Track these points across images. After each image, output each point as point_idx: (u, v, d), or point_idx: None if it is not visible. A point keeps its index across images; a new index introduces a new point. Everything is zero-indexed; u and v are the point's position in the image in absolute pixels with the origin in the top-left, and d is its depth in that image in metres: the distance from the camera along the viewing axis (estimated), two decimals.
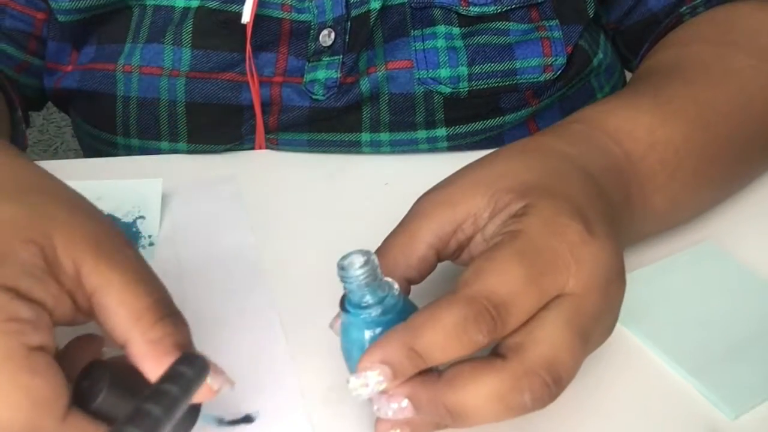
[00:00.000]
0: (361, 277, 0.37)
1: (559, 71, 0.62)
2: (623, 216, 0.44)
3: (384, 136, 0.62)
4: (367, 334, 0.37)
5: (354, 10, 0.60)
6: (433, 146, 0.63)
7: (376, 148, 0.63)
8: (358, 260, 0.37)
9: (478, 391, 0.34)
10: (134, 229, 0.54)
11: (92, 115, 0.66)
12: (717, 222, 0.54)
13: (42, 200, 0.38)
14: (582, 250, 0.37)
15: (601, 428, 0.42)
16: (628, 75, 0.71)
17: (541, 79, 0.61)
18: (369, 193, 0.59)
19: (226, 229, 0.55)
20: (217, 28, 0.61)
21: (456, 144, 0.63)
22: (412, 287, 0.42)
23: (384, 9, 0.60)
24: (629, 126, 0.47)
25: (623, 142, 0.47)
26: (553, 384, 0.35)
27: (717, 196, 0.55)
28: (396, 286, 0.38)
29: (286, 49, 0.61)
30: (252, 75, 0.61)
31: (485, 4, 0.60)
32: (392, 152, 0.63)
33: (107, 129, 0.65)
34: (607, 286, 0.37)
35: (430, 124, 0.62)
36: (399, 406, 0.36)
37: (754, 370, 0.44)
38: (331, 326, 0.40)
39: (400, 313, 0.37)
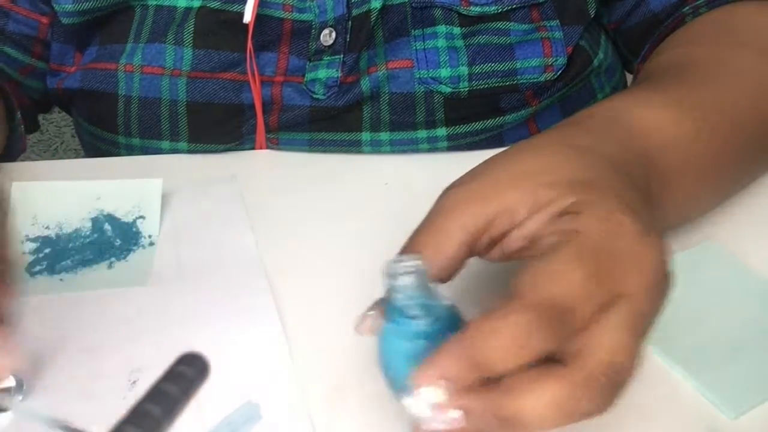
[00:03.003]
0: (411, 286, 0.35)
1: (560, 71, 0.62)
2: (651, 207, 0.43)
3: (384, 136, 0.62)
4: (414, 345, 0.35)
5: (355, 9, 0.60)
6: (433, 146, 0.63)
7: (376, 147, 0.63)
8: (409, 268, 0.35)
9: (538, 400, 0.33)
10: (134, 229, 0.54)
11: (94, 114, 0.66)
12: (717, 222, 0.54)
13: None
14: (640, 250, 0.36)
15: (601, 428, 0.42)
16: (629, 76, 0.71)
17: (542, 79, 0.61)
18: (369, 193, 0.59)
19: (226, 229, 0.55)
20: (219, 28, 0.61)
21: (456, 144, 0.63)
22: None
23: (385, 8, 0.60)
24: (646, 122, 0.46)
25: (642, 138, 0.45)
26: (614, 388, 0.34)
27: (727, 194, 0.54)
28: (446, 300, 0.36)
29: (287, 48, 0.61)
30: (253, 75, 0.61)
31: (486, 4, 0.60)
32: (392, 152, 0.63)
33: (109, 128, 0.65)
34: (662, 285, 0.36)
35: (430, 124, 0.62)
36: (450, 418, 0.33)
37: (754, 370, 0.44)
38: (358, 329, 0.38)
39: (448, 323, 0.35)
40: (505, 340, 0.32)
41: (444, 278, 0.39)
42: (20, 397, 0.42)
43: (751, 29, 0.57)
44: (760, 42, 0.56)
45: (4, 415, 0.41)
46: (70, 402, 0.42)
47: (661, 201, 0.46)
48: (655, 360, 0.46)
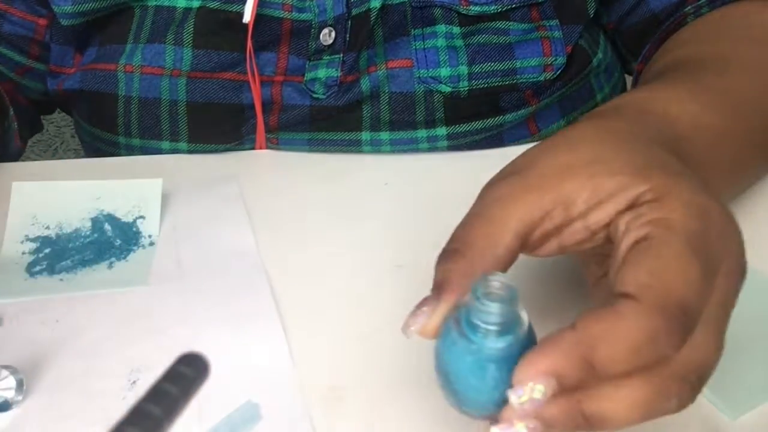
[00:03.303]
0: (500, 304, 0.32)
1: (559, 71, 0.62)
2: None
3: (384, 135, 0.62)
4: (493, 365, 0.33)
5: (354, 9, 0.60)
6: (433, 145, 0.63)
7: (376, 147, 0.63)
8: (502, 288, 0.33)
9: (624, 398, 0.31)
10: (134, 229, 0.54)
11: (94, 115, 0.66)
12: None
13: None
14: (727, 230, 0.35)
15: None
16: (628, 77, 0.71)
17: (541, 78, 0.61)
18: (369, 193, 0.59)
19: (227, 229, 0.55)
20: (218, 28, 0.61)
21: (456, 143, 0.63)
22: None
23: (384, 8, 0.60)
24: (675, 111, 0.45)
25: (672, 126, 0.44)
26: (698, 384, 0.33)
27: (746, 186, 0.54)
28: (525, 316, 0.33)
29: (287, 48, 0.61)
30: (253, 74, 0.61)
31: (485, 4, 0.60)
32: (392, 151, 0.63)
33: (109, 129, 0.65)
34: (744, 265, 0.35)
35: (430, 123, 0.62)
36: (528, 425, 0.31)
37: (754, 370, 0.44)
38: (405, 331, 0.36)
39: (526, 343, 0.33)
40: (629, 341, 0.30)
41: (497, 271, 0.36)
42: (20, 397, 0.41)
43: (756, 26, 0.57)
44: (764, 38, 0.56)
45: (4, 414, 0.41)
46: (70, 402, 0.42)
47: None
48: None
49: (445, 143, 0.63)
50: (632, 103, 0.45)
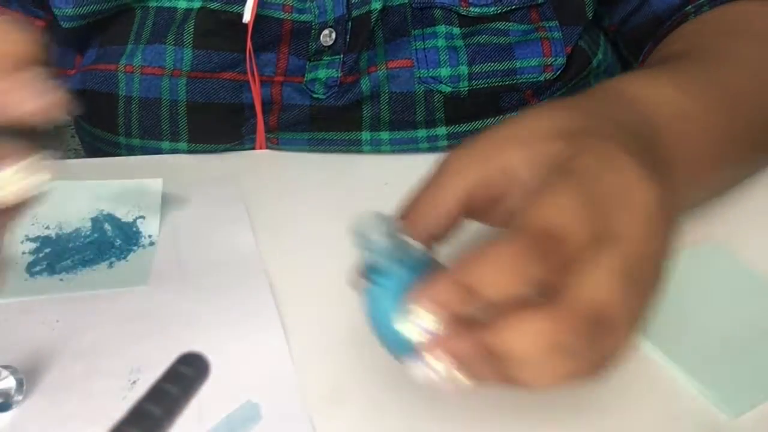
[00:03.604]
0: (384, 242, 0.34)
1: (559, 71, 0.62)
2: None
3: (384, 135, 0.62)
4: (385, 304, 0.34)
5: (355, 10, 0.60)
6: (433, 145, 0.63)
7: (376, 146, 0.63)
8: (378, 224, 0.34)
9: (523, 333, 0.32)
10: (134, 229, 0.54)
11: (94, 115, 0.66)
12: (717, 222, 0.54)
13: None
14: (638, 186, 0.35)
15: (601, 428, 0.42)
16: None
17: (541, 78, 0.61)
18: (369, 193, 0.59)
19: (227, 229, 0.55)
20: (219, 29, 0.61)
21: (456, 143, 0.63)
22: None
23: (385, 9, 0.60)
24: (649, 96, 0.46)
25: (644, 110, 0.45)
26: (601, 327, 0.33)
27: (733, 181, 0.54)
28: (420, 246, 0.35)
29: (287, 49, 0.61)
30: (253, 74, 0.61)
31: (485, 5, 0.60)
32: (392, 151, 0.63)
33: (109, 129, 0.65)
34: (663, 228, 0.36)
35: (430, 123, 0.62)
36: (442, 366, 0.33)
37: (754, 370, 0.44)
38: (351, 282, 0.38)
39: (431, 273, 0.34)
40: (497, 262, 0.32)
41: (439, 235, 0.39)
42: (20, 397, 0.41)
43: (755, 24, 0.58)
44: (763, 35, 0.56)
45: (4, 414, 0.41)
46: (70, 402, 0.42)
47: (670, 172, 0.45)
48: (655, 360, 0.46)
49: (445, 143, 0.63)
50: (609, 87, 0.46)
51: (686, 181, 0.47)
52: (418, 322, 0.32)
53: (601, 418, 0.42)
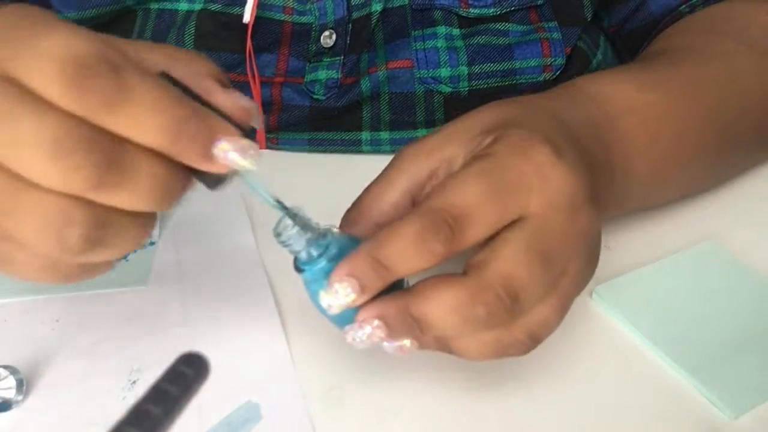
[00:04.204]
0: (297, 234, 0.37)
1: (558, 72, 0.62)
2: (602, 171, 0.44)
3: (384, 135, 0.62)
4: (314, 286, 0.37)
5: (355, 12, 0.60)
6: None
7: (376, 147, 0.63)
8: (288, 220, 0.37)
9: (439, 302, 0.35)
10: None
11: None
12: (717, 222, 0.54)
13: None
14: (548, 170, 0.37)
15: (601, 428, 0.42)
16: None
17: (541, 79, 0.61)
18: None
19: (227, 230, 0.55)
20: (219, 30, 0.61)
21: None
22: None
23: (385, 11, 0.60)
24: (608, 90, 0.48)
25: (602, 104, 0.47)
26: (507, 299, 0.35)
27: (711, 175, 0.55)
28: (335, 229, 0.38)
29: (287, 50, 0.61)
30: (253, 74, 0.61)
31: (485, 6, 0.60)
32: (392, 151, 0.63)
33: None
34: (574, 209, 0.37)
35: (430, 123, 0.62)
36: (371, 329, 0.36)
37: (754, 370, 0.44)
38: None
39: (351, 250, 0.37)
40: (403, 239, 0.35)
41: (385, 224, 0.40)
42: (20, 397, 0.42)
43: (740, 20, 0.58)
44: (747, 31, 0.57)
45: (4, 414, 0.41)
46: (70, 402, 0.42)
47: (626, 165, 0.47)
48: (654, 360, 0.46)
49: None
50: (569, 84, 0.49)
51: (639, 174, 0.48)
52: (339, 296, 0.35)
53: (601, 418, 0.42)
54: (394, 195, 0.41)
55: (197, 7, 0.61)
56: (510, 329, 0.37)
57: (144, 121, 0.31)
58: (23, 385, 0.42)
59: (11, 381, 0.41)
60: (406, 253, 0.35)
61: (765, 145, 0.58)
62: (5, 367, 0.42)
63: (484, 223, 0.35)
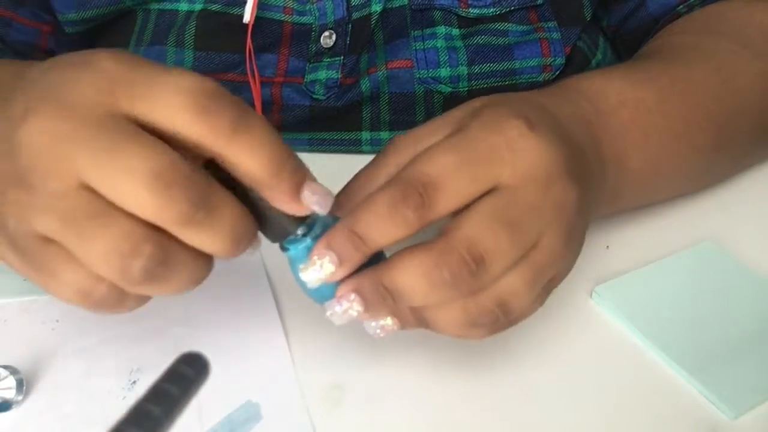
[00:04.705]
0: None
1: (558, 71, 0.62)
2: (595, 166, 0.44)
3: (384, 135, 0.63)
4: (297, 264, 0.38)
5: (355, 12, 0.60)
6: None
7: (376, 146, 0.63)
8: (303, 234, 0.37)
9: (408, 268, 0.36)
10: None
11: None
12: (717, 222, 0.54)
13: None
14: (519, 142, 0.37)
15: (601, 428, 0.42)
16: None
17: (540, 78, 0.62)
18: None
19: None
20: (220, 30, 0.61)
21: None
22: None
23: (385, 11, 0.60)
24: (599, 86, 0.48)
25: (593, 100, 0.47)
26: (472, 263, 0.35)
27: (707, 173, 0.55)
28: (326, 221, 0.39)
29: (288, 50, 0.61)
30: (253, 74, 0.61)
31: (484, 6, 0.60)
32: None
33: None
34: (548, 180, 0.37)
35: None
36: (348, 303, 0.37)
37: (754, 370, 0.44)
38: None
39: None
40: (376, 209, 0.36)
41: None
42: (20, 397, 0.42)
43: (735, 20, 0.58)
44: (742, 31, 0.57)
45: (4, 414, 0.41)
46: (70, 402, 0.42)
47: (620, 160, 0.47)
48: (654, 360, 0.46)
49: None
50: (562, 82, 0.49)
51: (633, 168, 0.48)
52: (319, 270, 0.36)
53: (600, 418, 0.42)
54: (380, 180, 0.41)
55: (197, 7, 0.61)
56: (477, 296, 0.37)
57: (256, 151, 0.34)
58: (23, 385, 0.42)
59: (11, 381, 0.41)
60: (379, 222, 0.35)
61: (762, 144, 0.58)
62: (5, 367, 0.42)
63: (454, 192, 0.36)
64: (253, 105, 0.62)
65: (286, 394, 0.43)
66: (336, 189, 0.60)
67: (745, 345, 0.46)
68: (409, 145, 0.41)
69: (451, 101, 0.61)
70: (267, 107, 0.62)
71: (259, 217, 0.37)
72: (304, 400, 0.43)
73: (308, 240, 0.37)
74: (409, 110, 0.61)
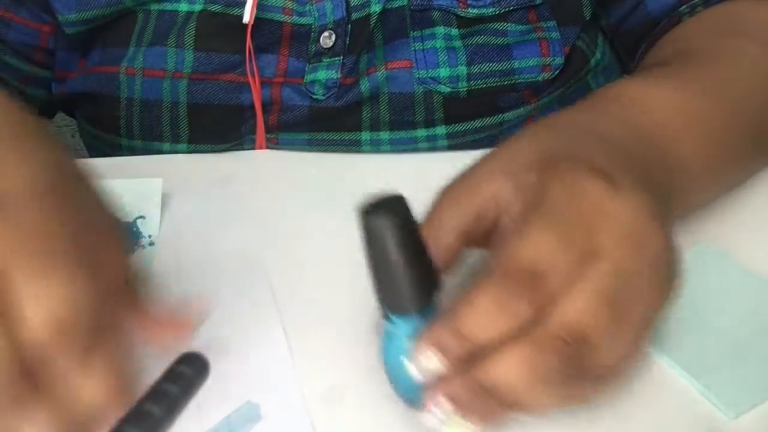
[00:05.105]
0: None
1: (557, 71, 0.62)
2: (662, 176, 0.43)
3: (384, 135, 0.63)
4: (401, 348, 0.37)
5: (355, 13, 0.60)
6: (433, 144, 0.63)
7: (375, 146, 0.63)
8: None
9: (506, 360, 0.34)
10: (134, 229, 0.54)
11: (96, 117, 0.66)
12: (716, 222, 0.54)
13: None
14: (608, 206, 0.36)
15: (601, 427, 0.42)
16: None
17: (539, 78, 0.62)
18: (369, 193, 0.59)
19: (226, 229, 0.55)
20: (219, 31, 0.61)
21: (456, 142, 0.63)
22: None
23: (384, 12, 0.61)
24: (646, 96, 0.47)
25: (644, 110, 0.46)
26: (583, 347, 0.34)
27: (739, 179, 0.54)
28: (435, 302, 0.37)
29: (287, 51, 0.62)
30: (253, 74, 0.61)
31: (483, 6, 0.60)
32: (392, 151, 0.63)
33: (111, 131, 0.65)
34: (641, 239, 0.36)
35: (429, 123, 0.62)
36: (441, 408, 0.35)
37: (754, 370, 0.44)
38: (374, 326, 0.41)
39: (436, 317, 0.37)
40: (483, 307, 0.34)
41: (444, 269, 0.40)
42: None
43: (754, 21, 0.58)
44: (758, 34, 0.56)
45: None
46: None
47: (685, 169, 0.46)
48: (654, 360, 0.46)
49: (445, 142, 0.63)
50: (607, 92, 0.48)
51: (696, 174, 0.47)
52: (423, 365, 0.35)
53: (600, 418, 0.42)
54: (447, 238, 0.40)
55: (197, 7, 0.61)
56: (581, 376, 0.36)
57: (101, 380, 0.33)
58: None
59: None
60: (488, 320, 0.34)
61: None
62: None
63: (562, 275, 0.35)
64: (252, 105, 0.62)
65: (286, 394, 0.43)
66: (336, 188, 0.61)
67: (745, 345, 0.46)
68: (461, 198, 0.41)
69: (451, 101, 0.61)
70: (267, 107, 0.62)
71: (397, 281, 0.35)
72: (304, 400, 0.43)
73: (414, 320, 0.36)
74: (409, 110, 0.61)
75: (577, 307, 0.34)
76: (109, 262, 0.36)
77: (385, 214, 0.35)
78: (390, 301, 0.37)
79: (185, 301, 0.42)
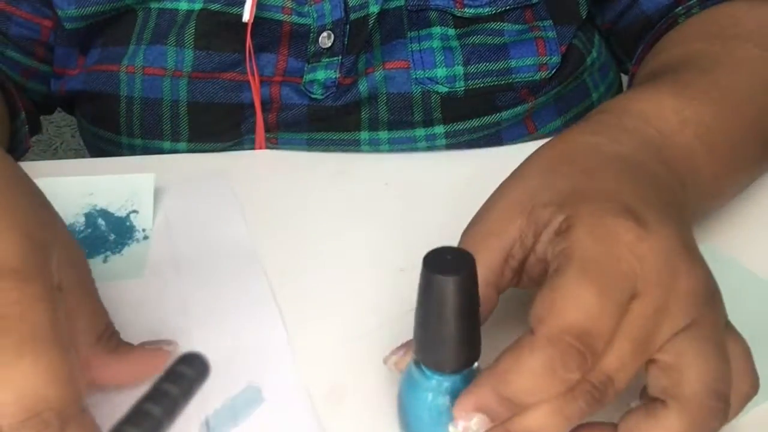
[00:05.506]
0: None
1: (554, 70, 0.62)
2: (675, 190, 0.43)
3: (383, 135, 0.63)
4: (442, 399, 0.37)
5: (353, 14, 0.61)
6: (431, 144, 0.63)
7: (374, 146, 0.63)
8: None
9: (541, 412, 0.34)
10: (128, 223, 0.55)
11: (96, 115, 0.67)
12: (716, 223, 0.54)
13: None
14: (639, 248, 0.36)
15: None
16: (624, 76, 0.72)
17: (536, 77, 0.62)
18: (369, 193, 0.59)
19: (220, 223, 0.55)
20: (219, 30, 0.61)
21: (454, 141, 0.63)
22: None
23: (382, 12, 0.61)
24: (653, 108, 0.46)
25: (652, 122, 0.45)
26: (603, 388, 0.34)
27: (748, 181, 0.54)
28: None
29: (286, 50, 0.62)
30: (253, 73, 0.61)
31: (480, 6, 0.60)
32: (391, 150, 0.63)
33: (111, 129, 0.65)
34: (676, 273, 0.36)
35: (428, 123, 0.62)
36: (470, 423, 0.35)
37: (757, 371, 0.44)
38: (387, 362, 0.40)
39: (469, 381, 0.36)
40: (531, 374, 0.34)
41: (483, 319, 0.39)
42: None
43: (751, 22, 0.58)
44: (756, 36, 0.56)
45: None
46: None
47: (696, 178, 0.46)
48: None
49: (443, 141, 0.63)
50: (610, 108, 0.47)
51: (708, 185, 0.47)
52: (466, 426, 0.35)
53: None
54: (481, 289, 0.38)
55: (197, 6, 0.61)
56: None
57: None
58: None
59: None
60: (536, 387, 0.34)
61: None
62: None
63: (607, 328, 0.34)
64: (252, 103, 0.62)
65: (286, 391, 0.43)
66: (336, 187, 0.61)
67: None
68: (489, 242, 0.39)
69: (448, 101, 0.61)
70: (266, 106, 0.62)
71: (447, 342, 0.35)
72: (304, 399, 0.43)
73: (448, 379, 0.36)
74: (407, 110, 0.62)
75: (613, 359, 0.35)
76: (85, 327, 0.39)
77: (455, 274, 0.34)
78: (433, 358, 0.36)
79: (154, 336, 0.43)
